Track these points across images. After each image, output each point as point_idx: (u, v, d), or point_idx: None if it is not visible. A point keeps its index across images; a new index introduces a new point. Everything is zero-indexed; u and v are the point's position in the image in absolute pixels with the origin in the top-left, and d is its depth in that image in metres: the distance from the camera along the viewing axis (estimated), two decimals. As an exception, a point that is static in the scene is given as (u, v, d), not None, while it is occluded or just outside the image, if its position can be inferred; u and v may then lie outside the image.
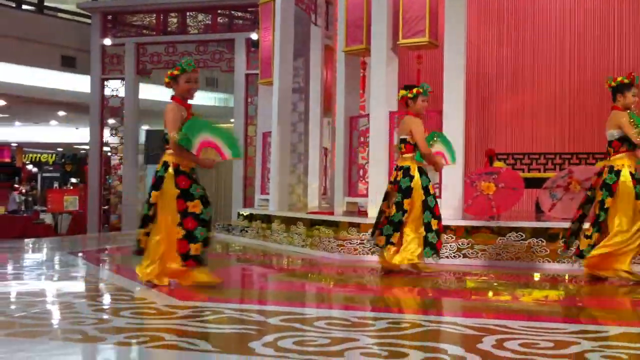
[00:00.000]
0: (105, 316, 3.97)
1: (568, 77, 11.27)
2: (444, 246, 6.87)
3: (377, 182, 7.94)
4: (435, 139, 6.25)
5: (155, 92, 17.73)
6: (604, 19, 11.10)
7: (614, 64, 10.97)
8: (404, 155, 6.12)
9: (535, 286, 5.76)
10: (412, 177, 6.04)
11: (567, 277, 6.14)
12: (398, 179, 6.07)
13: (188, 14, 14.48)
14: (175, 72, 5.03)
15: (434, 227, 6.03)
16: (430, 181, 6.15)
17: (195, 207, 4.86)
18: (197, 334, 3.47)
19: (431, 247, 6.05)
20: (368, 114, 8.38)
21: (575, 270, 6.55)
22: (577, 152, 10.69)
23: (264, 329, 3.59)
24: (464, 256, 7.02)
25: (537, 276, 6.31)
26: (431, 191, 6.09)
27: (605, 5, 11.06)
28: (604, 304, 4.84)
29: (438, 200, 7.56)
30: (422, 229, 6.05)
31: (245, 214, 10.37)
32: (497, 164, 10.24)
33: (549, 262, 6.82)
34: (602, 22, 11.10)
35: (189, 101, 5.07)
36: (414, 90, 6.16)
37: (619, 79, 5.69)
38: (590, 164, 9.89)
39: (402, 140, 6.15)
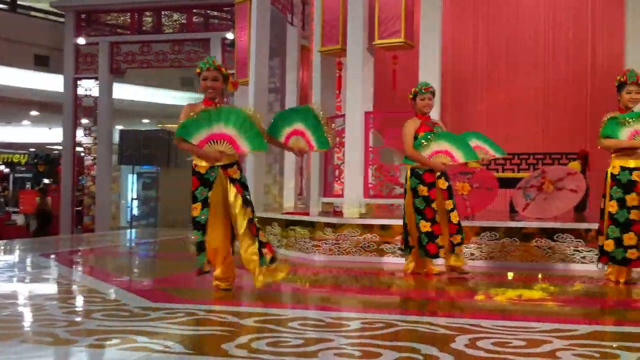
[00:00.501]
0: (77, 318, 3.92)
1: (542, 77, 11.37)
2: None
3: (352, 182, 7.95)
4: (429, 137, 5.98)
5: (129, 92, 17.60)
6: (577, 19, 11.21)
7: (588, 65, 11.09)
8: None
9: (509, 285, 5.80)
10: (406, 180, 6.12)
11: (540, 276, 6.20)
12: None
13: (163, 13, 14.37)
14: (197, 72, 4.96)
15: (423, 229, 5.92)
16: (419, 182, 5.96)
17: (195, 209, 4.81)
18: (170, 335, 3.44)
19: (424, 249, 5.95)
20: (344, 114, 8.39)
21: (547, 269, 6.63)
22: (551, 152, 10.78)
23: (237, 331, 3.57)
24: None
25: (510, 275, 6.36)
26: (421, 193, 5.95)
27: (579, 5, 11.17)
28: (575, 303, 4.88)
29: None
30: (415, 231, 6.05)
31: (220, 215, 10.30)
32: (472, 164, 10.28)
33: (521, 261, 6.88)
34: (576, 23, 11.21)
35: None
36: (412, 90, 6.15)
37: (617, 78, 5.64)
38: (563, 164, 10.00)
39: None
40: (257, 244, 4.77)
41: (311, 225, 7.83)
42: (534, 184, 8.51)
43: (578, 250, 6.80)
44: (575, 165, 9.32)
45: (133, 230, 14.63)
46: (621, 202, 5.45)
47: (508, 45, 11.53)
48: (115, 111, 15.80)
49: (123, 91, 16.70)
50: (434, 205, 5.94)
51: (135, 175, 18.15)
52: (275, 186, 11.89)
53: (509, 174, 10.59)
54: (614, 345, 3.24)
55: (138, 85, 17.90)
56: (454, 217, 6.00)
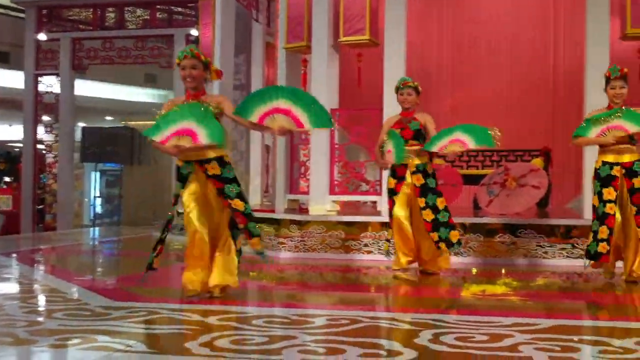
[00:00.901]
0: (38, 318, 3.86)
1: (506, 76, 11.50)
2: (382, 243, 6.97)
3: (318, 179, 7.95)
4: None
5: (92, 88, 17.33)
6: (540, 18, 11.37)
7: (551, 64, 11.28)
8: None
9: (473, 280, 5.85)
10: None
11: (503, 271, 6.27)
12: None
13: (126, 8, 14.18)
14: (177, 62, 4.74)
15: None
16: (390, 175, 5.96)
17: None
18: (132, 334, 3.40)
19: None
20: (309, 111, 8.35)
21: (510, 264, 6.71)
22: (514, 149, 10.91)
23: (201, 329, 3.54)
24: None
25: (474, 271, 6.42)
26: (389, 185, 5.99)
27: (542, 5, 11.33)
28: (538, 297, 4.95)
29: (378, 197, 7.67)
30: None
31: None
32: (437, 161, 10.35)
33: (485, 257, 6.96)
34: (539, 24, 11.38)
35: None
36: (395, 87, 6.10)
37: (604, 74, 5.53)
38: (525, 161, 10.13)
39: None
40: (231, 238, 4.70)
41: (277, 222, 7.80)
42: (497, 180, 8.61)
43: (540, 246, 6.90)
44: (538, 162, 9.45)
45: (96, 229, 14.43)
46: (600, 196, 5.40)
47: (472, 44, 11.64)
48: (78, 108, 15.53)
49: (85, 88, 16.43)
50: (395, 197, 5.91)
51: (98, 173, 17.91)
52: (242, 183, 11.81)
53: (473, 171, 10.67)
54: (576, 339, 3.28)
55: (101, 81, 17.65)
56: (427, 215, 5.81)
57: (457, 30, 11.80)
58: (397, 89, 6.05)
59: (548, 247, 6.87)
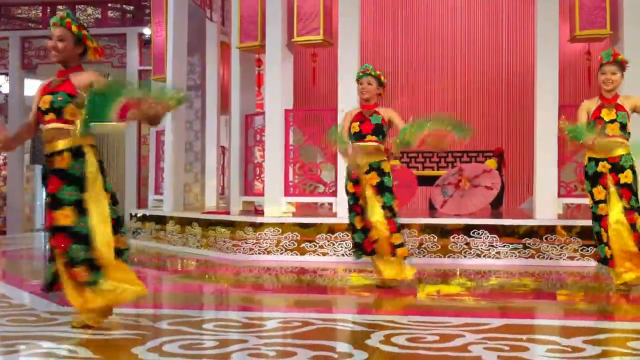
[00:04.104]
0: (-20, 325, 3.72)
1: (459, 77, 11.64)
2: (338, 244, 6.97)
3: (273, 180, 7.89)
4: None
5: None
6: (492, 23, 11.55)
7: (502, 66, 11.45)
8: None
9: (428, 281, 5.87)
10: None
11: (458, 272, 6.31)
12: None
13: (77, 7, 13.89)
14: None
15: (357, 225, 5.43)
16: (347, 179, 5.47)
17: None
18: (78, 340, 3.30)
19: (360, 248, 5.43)
20: (264, 112, 8.32)
21: (464, 264, 6.77)
22: (468, 150, 11.04)
23: (149, 334, 3.46)
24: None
25: (428, 271, 6.44)
26: (349, 190, 5.46)
27: (494, 9, 11.50)
28: (490, 297, 4.99)
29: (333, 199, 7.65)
30: None
31: (138, 215, 10.06)
32: (392, 162, 10.39)
33: (440, 257, 7.00)
34: (491, 27, 11.55)
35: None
36: None
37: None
38: (479, 162, 10.24)
39: None
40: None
41: (232, 224, 7.72)
42: (451, 181, 8.68)
43: (493, 246, 6.97)
44: (491, 163, 9.56)
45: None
46: (591, 196, 5.12)
47: (426, 46, 11.75)
48: (27, 108, 15.15)
49: (35, 87, 16.06)
50: (361, 201, 5.40)
51: (50, 175, 17.46)
52: (197, 185, 11.70)
53: (428, 172, 10.75)
54: (524, 338, 3.31)
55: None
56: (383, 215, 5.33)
57: (411, 30, 11.89)
58: (357, 79, 5.59)
59: (501, 247, 6.95)
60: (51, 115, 3.77)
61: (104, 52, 4.13)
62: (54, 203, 3.61)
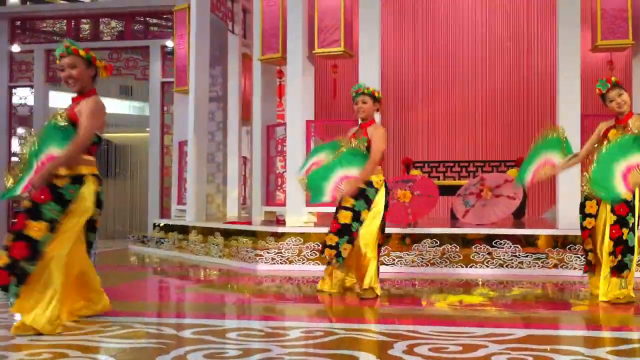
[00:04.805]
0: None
1: (480, 88, 11.65)
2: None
3: (294, 190, 7.93)
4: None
5: (66, 100, 17.15)
6: (514, 32, 11.55)
7: (523, 77, 11.45)
8: None
9: (450, 291, 5.86)
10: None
11: (480, 282, 6.29)
12: None
13: (101, 20, 14.09)
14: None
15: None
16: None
17: None
18: (103, 349, 3.35)
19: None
20: (285, 123, 8.37)
21: (487, 274, 6.74)
22: (489, 159, 11.02)
23: (174, 343, 3.50)
24: (381, 263, 7.07)
25: (451, 281, 6.43)
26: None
27: (515, 21, 11.50)
28: (513, 307, 4.97)
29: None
30: None
31: (161, 225, 10.16)
32: (414, 172, 10.44)
33: (462, 267, 6.98)
34: (513, 35, 11.55)
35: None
36: None
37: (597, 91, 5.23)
38: (501, 172, 10.21)
39: None
40: None
41: (253, 234, 7.77)
42: (473, 191, 8.66)
43: (516, 256, 6.94)
44: (513, 173, 9.52)
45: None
46: (582, 208, 5.20)
47: (447, 56, 11.79)
48: (52, 120, 15.36)
49: (60, 100, 16.28)
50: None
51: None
52: (219, 195, 11.75)
53: (449, 182, 10.75)
54: (548, 349, 3.30)
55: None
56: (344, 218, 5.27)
57: (432, 41, 11.93)
58: (352, 99, 5.53)
59: (523, 257, 6.91)
60: None
61: (112, 68, 4.27)
62: (32, 212, 3.74)
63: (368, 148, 5.37)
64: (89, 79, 4.06)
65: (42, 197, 3.76)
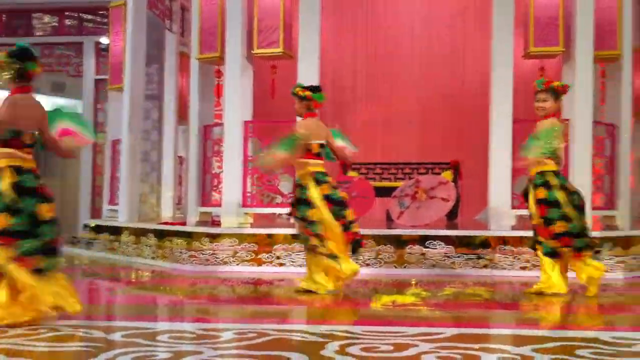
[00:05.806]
0: None
1: (417, 91, 11.78)
2: (295, 255, 7.00)
3: (230, 191, 7.88)
4: None
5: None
6: (452, 33, 11.75)
7: (460, 80, 11.65)
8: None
9: (384, 291, 5.91)
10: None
11: (413, 282, 6.38)
12: None
13: (33, 15, 13.68)
14: None
15: None
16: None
17: None
18: (29, 353, 3.25)
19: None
20: (222, 123, 8.30)
21: (420, 274, 6.84)
22: (425, 162, 11.17)
23: (103, 346, 3.42)
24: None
25: (385, 281, 6.50)
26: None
27: (452, 25, 11.71)
28: (444, 307, 5.05)
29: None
30: None
31: (92, 226, 9.92)
32: (351, 173, 10.50)
33: (396, 267, 7.06)
34: (450, 37, 11.75)
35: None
36: None
37: None
38: (436, 174, 10.37)
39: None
40: None
41: (188, 235, 7.67)
42: (408, 192, 8.78)
43: (448, 256, 7.06)
44: (447, 175, 9.70)
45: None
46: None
47: (385, 60, 11.89)
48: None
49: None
50: None
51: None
52: (153, 195, 11.57)
53: (386, 183, 10.84)
54: (476, 347, 3.37)
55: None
56: None
57: (370, 44, 12.02)
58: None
59: (455, 257, 7.05)
60: None
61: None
62: None
63: None
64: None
65: None
